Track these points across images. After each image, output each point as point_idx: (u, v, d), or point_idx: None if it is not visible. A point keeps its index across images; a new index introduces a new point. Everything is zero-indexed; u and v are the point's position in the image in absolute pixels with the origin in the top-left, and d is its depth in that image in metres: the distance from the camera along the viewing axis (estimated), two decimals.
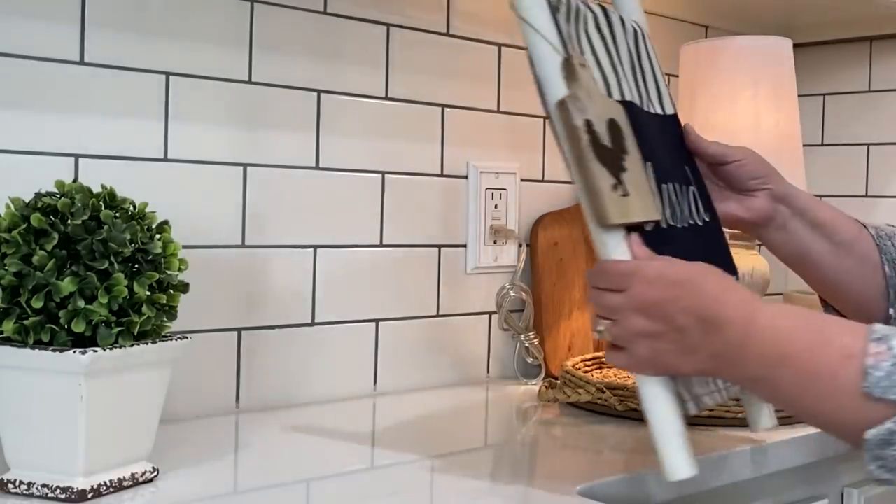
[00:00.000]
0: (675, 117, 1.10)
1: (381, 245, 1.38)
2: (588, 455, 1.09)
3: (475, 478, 1.00)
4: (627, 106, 0.99)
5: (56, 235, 0.84)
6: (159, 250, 0.90)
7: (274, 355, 1.27)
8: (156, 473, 0.92)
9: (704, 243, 1.03)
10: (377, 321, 1.38)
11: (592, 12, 1.02)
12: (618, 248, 0.89)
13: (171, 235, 0.92)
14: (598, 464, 1.06)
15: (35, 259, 0.84)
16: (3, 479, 0.87)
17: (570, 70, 0.92)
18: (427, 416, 1.27)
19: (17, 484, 0.86)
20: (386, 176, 1.36)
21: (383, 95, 1.38)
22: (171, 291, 0.91)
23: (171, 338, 0.91)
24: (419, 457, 1.11)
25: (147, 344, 0.88)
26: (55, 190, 0.89)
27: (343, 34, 1.34)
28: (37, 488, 0.85)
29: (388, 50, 1.38)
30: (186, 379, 1.16)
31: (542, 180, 1.61)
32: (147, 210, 0.93)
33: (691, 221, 1.02)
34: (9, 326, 0.84)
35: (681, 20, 1.84)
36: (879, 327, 0.79)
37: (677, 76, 1.59)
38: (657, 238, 0.93)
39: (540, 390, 1.29)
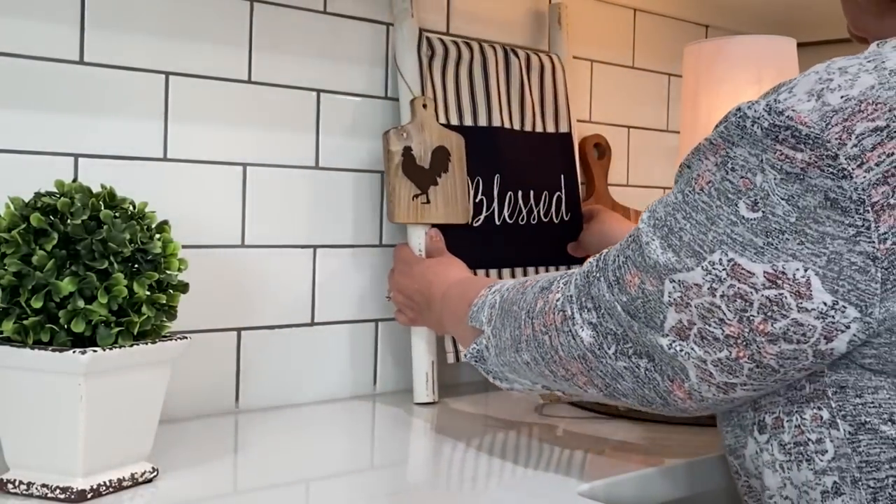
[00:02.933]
0: (568, 135, 1.51)
1: (381, 245, 1.38)
2: (589, 455, 1.09)
3: (476, 477, 1.00)
4: (482, 131, 1.39)
5: (56, 235, 0.84)
6: (159, 250, 0.90)
7: (274, 355, 1.27)
8: (155, 473, 0.92)
9: (552, 235, 1.46)
10: (377, 321, 1.38)
11: (471, 58, 1.39)
12: (413, 239, 1.31)
13: (171, 235, 0.92)
14: (599, 464, 1.06)
15: (35, 259, 0.83)
16: (2, 479, 0.87)
17: (413, 108, 1.32)
18: (426, 416, 1.27)
19: (16, 484, 0.86)
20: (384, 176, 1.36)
21: (383, 95, 1.38)
22: (171, 291, 0.91)
23: (171, 338, 0.91)
24: (418, 456, 1.10)
25: (147, 344, 0.87)
26: (55, 190, 0.89)
27: (343, 34, 1.34)
28: (36, 488, 0.85)
29: (388, 50, 1.38)
30: (186, 379, 1.16)
31: None
32: (147, 210, 0.92)
33: (545, 220, 1.46)
34: (8, 326, 0.84)
35: (681, 20, 1.84)
36: (501, 282, 1.07)
37: (680, 76, 1.59)
38: (485, 231, 1.38)
39: None
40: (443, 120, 1.36)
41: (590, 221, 1.49)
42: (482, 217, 1.38)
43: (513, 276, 1.42)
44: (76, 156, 1.10)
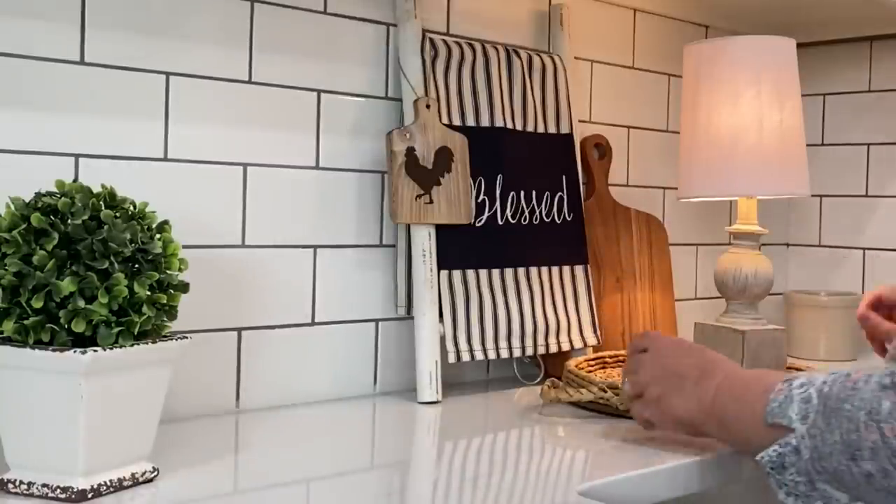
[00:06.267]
0: (569, 135, 1.51)
1: (382, 245, 1.38)
2: (589, 455, 1.09)
3: (477, 476, 1.00)
4: (485, 132, 1.39)
5: (56, 235, 0.84)
6: (159, 250, 0.90)
7: (274, 355, 1.27)
8: (156, 473, 0.92)
9: (554, 235, 1.47)
10: (377, 321, 1.38)
11: (473, 59, 1.40)
12: (418, 237, 1.32)
13: (171, 235, 0.92)
14: (599, 464, 1.06)
15: (35, 259, 0.83)
16: (3, 479, 0.87)
17: (416, 109, 1.33)
18: (428, 415, 1.27)
19: (17, 484, 0.86)
20: (385, 176, 1.36)
21: (384, 95, 1.38)
22: (172, 291, 0.91)
23: (171, 338, 0.91)
24: (419, 455, 1.10)
25: (147, 344, 0.87)
26: (55, 190, 0.89)
27: (343, 34, 1.34)
28: (37, 488, 0.85)
29: (388, 50, 1.38)
30: (186, 379, 1.16)
31: None
32: (147, 210, 0.92)
33: (547, 219, 1.46)
34: (9, 326, 0.84)
35: (681, 20, 1.84)
36: (801, 373, 0.95)
37: (680, 76, 1.59)
38: (487, 231, 1.38)
39: (542, 390, 1.29)
40: (445, 120, 1.37)
41: None
42: (484, 217, 1.39)
43: (514, 276, 1.41)
44: (76, 156, 1.10)
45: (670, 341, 1.11)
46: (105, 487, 0.86)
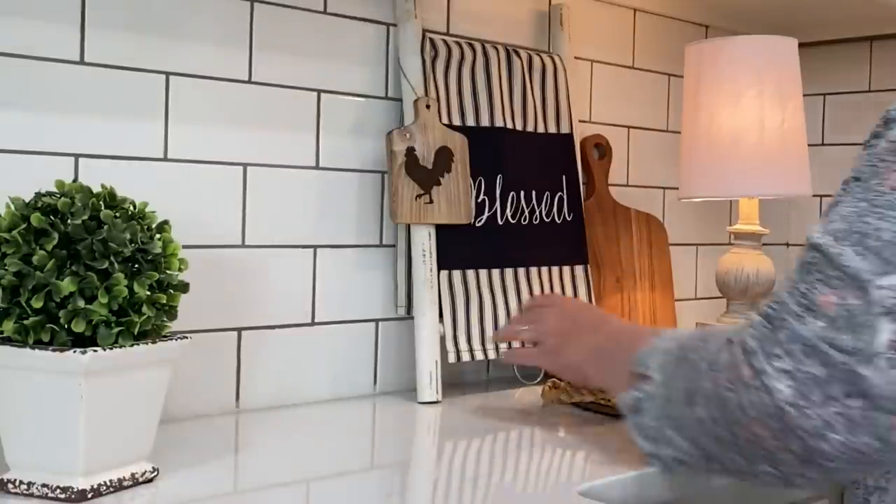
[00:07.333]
0: (569, 135, 1.51)
1: (382, 245, 1.38)
2: (589, 455, 1.09)
3: (477, 476, 1.00)
4: (485, 132, 1.39)
5: (56, 235, 0.84)
6: (159, 250, 0.90)
7: (274, 355, 1.27)
8: (156, 473, 0.92)
9: (554, 235, 1.47)
10: (377, 321, 1.38)
11: (474, 58, 1.40)
12: (418, 237, 1.32)
13: (171, 235, 0.92)
14: (599, 464, 1.06)
15: (35, 259, 0.83)
16: (3, 479, 0.87)
17: (416, 109, 1.33)
18: (428, 415, 1.27)
19: (17, 484, 0.86)
20: (385, 176, 1.36)
21: (384, 95, 1.38)
22: (171, 291, 0.91)
23: (171, 338, 0.91)
24: (419, 455, 1.10)
25: (147, 344, 0.87)
26: (55, 190, 0.89)
27: (343, 34, 1.34)
28: (37, 488, 0.85)
29: (388, 50, 1.38)
30: (186, 379, 1.16)
31: None
32: (147, 210, 0.92)
33: (547, 219, 1.46)
34: (9, 326, 0.84)
35: (681, 20, 1.84)
36: (673, 330, 1.00)
37: (680, 76, 1.59)
38: (487, 231, 1.38)
39: (543, 391, 1.29)
40: (445, 120, 1.37)
41: None
42: (484, 217, 1.39)
43: (514, 276, 1.42)
44: (76, 156, 1.10)
45: (573, 301, 1.26)
46: (105, 487, 0.86)
